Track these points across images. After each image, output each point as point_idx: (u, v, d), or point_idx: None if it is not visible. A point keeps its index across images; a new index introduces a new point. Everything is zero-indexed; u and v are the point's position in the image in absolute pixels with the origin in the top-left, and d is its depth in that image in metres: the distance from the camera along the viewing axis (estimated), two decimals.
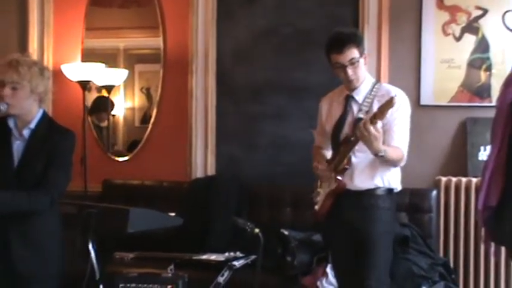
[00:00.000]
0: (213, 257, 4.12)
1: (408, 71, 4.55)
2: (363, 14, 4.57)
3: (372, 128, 2.89)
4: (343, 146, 3.17)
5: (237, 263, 3.84)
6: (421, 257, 3.88)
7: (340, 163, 3.15)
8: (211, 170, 4.87)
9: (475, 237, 4.32)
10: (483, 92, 4.48)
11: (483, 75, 4.48)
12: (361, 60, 3.16)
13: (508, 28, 4.37)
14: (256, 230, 3.45)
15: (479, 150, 4.42)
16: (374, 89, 3.20)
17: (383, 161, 3.05)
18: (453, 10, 4.50)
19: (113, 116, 5.25)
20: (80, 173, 4.73)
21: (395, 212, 3.34)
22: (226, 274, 3.81)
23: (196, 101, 4.86)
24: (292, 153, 4.70)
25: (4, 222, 2.89)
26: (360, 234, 3.13)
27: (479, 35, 4.48)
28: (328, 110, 3.34)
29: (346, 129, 3.20)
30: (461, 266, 4.35)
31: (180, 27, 4.90)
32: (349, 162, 3.14)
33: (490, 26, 4.45)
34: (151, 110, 5.07)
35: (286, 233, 4.18)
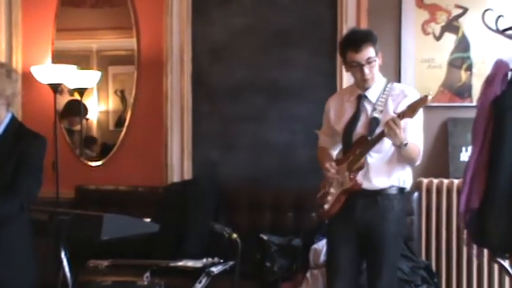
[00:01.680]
0: (190, 263, 4.10)
1: (388, 71, 4.47)
2: (341, 13, 4.59)
3: (401, 124, 2.96)
4: (358, 145, 3.19)
5: (215, 269, 3.83)
6: (403, 260, 3.89)
7: (356, 162, 3.18)
8: (188, 174, 4.85)
9: (457, 239, 4.34)
10: (464, 92, 4.51)
11: (464, 74, 4.51)
12: (377, 60, 3.19)
13: (488, 27, 4.41)
14: (234, 235, 3.47)
15: (460, 151, 4.45)
16: (387, 88, 3.25)
17: (404, 153, 3.10)
18: (433, 9, 4.53)
19: (87, 119, 5.22)
20: (52, 179, 4.69)
21: (405, 214, 3.39)
22: (204, 281, 3.80)
23: (171, 103, 4.85)
24: (272, 155, 4.70)
25: None
26: (374, 234, 3.18)
27: (460, 34, 4.51)
28: (338, 110, 3.36)
29: (359, 128, 3.22)
30: (444, 269, 4.37)
31: (154, 27, 4.89)
32: (365, 161, 3.17)
33: (470, 25, 4.49)
34: (126, 113, 5.05)
35: (265, 237, 4.19)
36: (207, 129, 4.85)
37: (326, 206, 3.28)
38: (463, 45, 4.51)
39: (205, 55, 4.85)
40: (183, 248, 4.38)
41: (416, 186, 4.42)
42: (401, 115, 2.99)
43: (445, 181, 4.40)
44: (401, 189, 3.24)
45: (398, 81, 4.50)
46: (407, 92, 3.25)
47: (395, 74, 4.53)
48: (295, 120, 4.68)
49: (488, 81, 3.18)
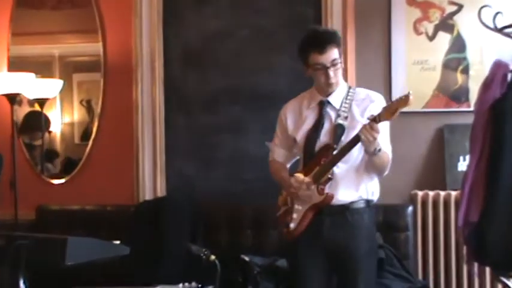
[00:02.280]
0: None
1: (377, 74, 4.58)
2: (326, 12, 4.59)
3: (378, 128, 2.95)
4: (323, 155, 3.17)
5: None
6: (398, 281, 3.89)
7: (323, 174, 3.14)
8: (161, 191, 4.83)
9: (456, 257, 4.34)
10: (461, 95, 4.53)
11: (460, 77, 4.53)
12: (341, 62, 3.19)
13: (485, 25, 4.42)
14: (213, 257, 3.47)
15: (458, 161, 4.46)
16: (350, 93, 3.24)
17: (377, 160, 3.09)
18: (425, 6, 4.55)
19: (49, 132, 5.17)
20: (10, 199, 4.64)
21: (375, 227, 3.38)
22: None
23: (142, 113, 4.82)
24: (253, 169, 4.69)
25: None
26: (343, 253, 3.16)
27: (455, 33, 4.54)
28: (296, 118, 3.35)
29: (323, 137, 3.21)
30: None
31: (121, 30, 4.87)
32: (332, 172, 3.14)
33: (465, 23, 4.51)
34: (93, 124, 5.01)
35: (247, 259, 4.18)
36: (182, 142, 4.83)
37: (292, 225, 3.26)
38: (458, 45, 4.54)
39: (179, 61, 4.84)
40: (157, 272, 4.34)
41: (411, 199, 4.43)
42: (378, 118, 2.97)
43: (442, 193, 4.41)
44: (368, 202, 3.24)
45: (389, 85, 4.54)
46: (373, 97, 3.26)
47: (384, 77, 4.55)
48: None
49: (487, 84, 3.19)
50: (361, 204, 3.21)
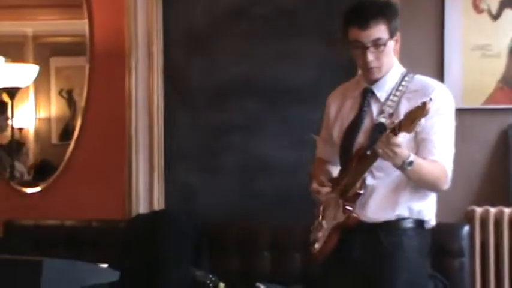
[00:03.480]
0: None
1: (427, 62, 4.55)
2: None
3: (397, 141, 2.84)
4: (355, 161, 3.09)
5: None
6: None
7: (351, 186, 3.08)
8: (158, 203, 4.82)
9: None
10: None
11: None
12: (390, 43, 3.10)
13: None
14: (222, 285, 3.53)
15: None
16: (403, 83, 3.14)
17: (411, 175, 2.98)
18: None
19: (20, 130, 5.18)
20: None
21: (427, 255, 3.26)
22: None
23: (136, 108, 4.82)
24: (270, 178, 4.69)
25: None
26: (375, 283, 3.08)
27: None
28: (339, 109, 3.27)
29: (361, 137, 3.11)
30: None
31: (112, 6, 4.86)
32: (363, 185, 3.06)
33: None
34: (75, 121, 5.02)
35: (262, 287, 4.18)
36: (184, 143, 4.83)
37: (316, 245, 3.22)
38: None
39: (181, 45, 4.84)
40: None
41: (467, 217, 4.40)
42: (398, 128, 2.89)
43: (506, 210, 4.37)
44: (419, 223, 3.13)
45: (441, 75, 4.48)
46: (430, 88, 3.10)
47: (436, 65, 4.51)
48: (301, 131, 4.55)
49: None
50: (403, 225, 3.11)
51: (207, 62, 4.80)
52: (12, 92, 5.03)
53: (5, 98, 5.06)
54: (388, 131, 2.86)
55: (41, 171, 5.14)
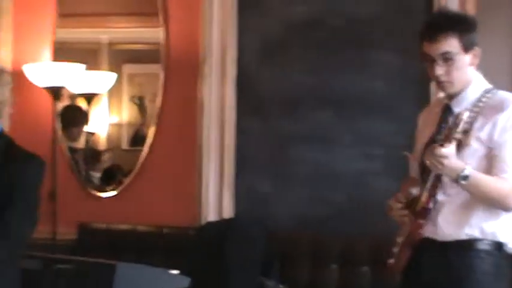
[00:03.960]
0: None
1: (501, 75, 4.45)
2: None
3: (441, 152, 2.79)
4: (423, 176, 3.05)
5: None
6: None
7: (419, 201, 3.05)
8: (228, 211, 4.84)
9: None
10: None
11: None
12: (462, 58, 3.05)
13: None
14: None
15: None
16: (484, 99, 3.06)
17: (469, 189, 2.91)
18: None
19: (91, 134, 5.25)
20: (48, 214, 4.67)
21: (507, 282, 3.14)
22: None
23: (209, 116, 4.85)
24: (342, 189, 4.68)
25: None
26: None
27: None
28: (424, 125, 3.22)
29: None
30: None
31: (188, 14, 4.91)
32: (430, 200, 3.03)
33: None
34: (146, 127, 5.06)
35: None
36: (255, 152, 4.84)
37: (391, 261, 3.15)
38: None
39: (255, 54, 4.85)
40: None
41: None
42: (443, 140, 2.83)
43: None
44: (497, 245, 3.01)
45: None
46: (505, 103, 2.98)
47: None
48: (373, 143, 4.64)
49: None
50: (476, 246, 3.00)
51: (280, 71, 4.81)
52: (90, 97, 5.10)
53: (81, 102, 5.13)
54: (438, 143, 2.83)
55: (112, 176, 5.19)
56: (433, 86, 4.41)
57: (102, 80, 5.09)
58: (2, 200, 2.87)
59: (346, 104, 4.70)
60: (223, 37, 4.83)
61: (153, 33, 4.99)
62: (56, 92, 4.81)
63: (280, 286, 3.53)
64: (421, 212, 3.02)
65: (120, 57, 5.23)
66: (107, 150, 5.31)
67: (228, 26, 4.82)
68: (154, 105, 5.04)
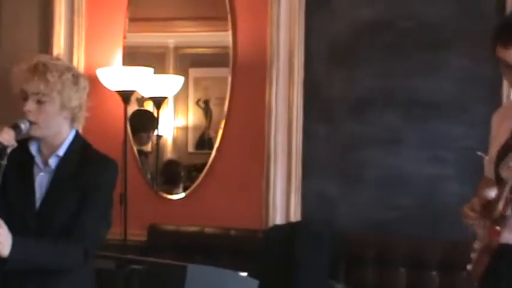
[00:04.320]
0: None
1: None
2: None
3: None
4: (502, 183, 3.01)
5: None
6: None
7: (495, 207, 3.01)
8: (295, 215, 4.85)
9: None
10: None
11: None
12: None
13: None
14: None
15: None
16: None
17: None
18: None
19: (159, 137, 5.30)
20: (119, 216, 4.73)
21: None
22: None
23: (276, 119, 4.87)
24: (409, 192, 4.65)
25: (20, 281, 2.87)
26: None
27: None
28: (498, 128, 3.19)
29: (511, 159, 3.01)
30: None
31: (255, 19, 4.93)
32: (507, 208, 2.98)
33: None
34: (210, 130, 5.12)
35: None
36: (323, 155, 4.84)
37: (468, 266, 3.12)
38: None
39: (322, 57, 4.85)
40: None
41: None
42: None
43: None
44: None
45: None
46: None
47: None
48: (442, 146, 4.61)
49: None
50: None
51: (348, 74, 4.80)
52: (159, 101, 5.16)
53: (149, 105, 5.20)
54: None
55: (179, 178, 5.24)
56: (505, 86, 4.39)
57: (170, 84, 5.14)
58: (78, 202, 2.92)
59: (415, 106, 4.67)
60: (290, 40, 4.84)
61: (220, 37, 5.03)
62: (127, 96, 4.87)
63: None
64: (498, 219, 2.98)
65: (187, 61, 5.26)
66: (174, 153, 5.33)
67: (295, 29, 4.83)
68: (219, 109, 5.08)
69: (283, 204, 4.86)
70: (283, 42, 4.85)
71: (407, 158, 4.67)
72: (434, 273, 4.43)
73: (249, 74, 4.96)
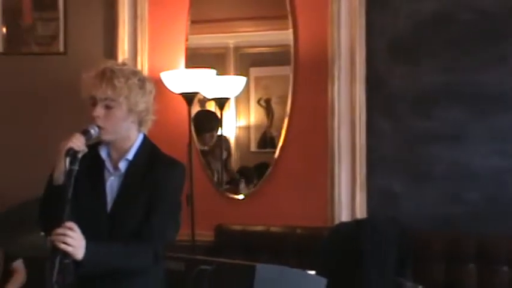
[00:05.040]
0: None
1: None
2: None
3: None
4: None
5: None
6: None
7: None
8: (361, 212, 4.84)
9: None
10: None
11: None
12: None
13: None
14: None
15: None
16: None
17: None
18: None
19: (222, 138, 5.33)
20: (186, 217, 4.75)
21: None
22: None
23: (338, 116, 4.87)
24: (477, 188, 4.62)
25: (95, 285, 2.93)
26: None
27: None
28: None
29: None
30: None
31: (316, 17, 4.93)
32: None
33: None
34: (272, 129, 5.13)
35: None
36: (387, 151, 4.83)
37: None
38: None
39: (384, 53, 4.84)
40: None
41: None
42: None
43: None
44: None
45: None
46: None
47: None
48: (510, 139, 4.59)
49: None
50: None
51: (411, 69, 4.78)
52: (222, 102, 5.19)
53: (211, 106, 5.23)
54: None
55: (243, 178, 5.27)
56: None
57: (232, 84, 5.16)
58: (147, 205, 2.97)
59: (481, 100, 4.64)
60: (351, 37, 4.84)
61: (281, 36, 5.05)
62: (190, 98, 4.91)
63: (419, 287, 3.46)
64: None
65: (247, 61, 5.28)
66: (237, 153, 5.36)
67: (356, 26, 4.82)
68: (280, 107, 5.09)
69: (349, 202, 4.86)
70: (344, 39, 4.84)
71: (474, 153, 4.64)
72: (505, 268, 4.39)
73: (310, 72, 4.96)
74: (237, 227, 4.99)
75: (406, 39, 4.79)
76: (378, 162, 4.83)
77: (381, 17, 4.83)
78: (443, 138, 4.70)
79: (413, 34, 4.77)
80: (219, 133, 5.35)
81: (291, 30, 4.99)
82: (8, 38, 5.40)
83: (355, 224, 4.68)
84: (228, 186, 5.27)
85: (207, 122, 5.33)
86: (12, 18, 5.39)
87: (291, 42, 5.00)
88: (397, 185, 4.77)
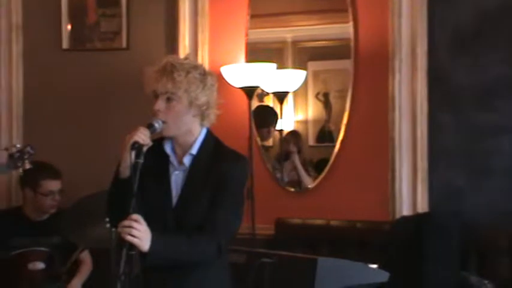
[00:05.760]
0: None
1: None
2: None
3: None
4: None
5: None
6: None
7: None
8: (422, 206, 4.80)
9: None
10: None
11: None
12: None
13: None
14: None
15: None
16: None
17: None
18: None
19: (281, 132, 5.34)
20: (247, 211, 4.74)
21: None
22: None
23: (399, 110, 4.84)
24: None
25: (161, 278, 2.98)
26: None
27: None
28: None
29: None
30: None
31: (377, 9, 4.91)
32: None
33: None
34: (330, 123, 5.13)
35: None
36: (449, 145, 4.78)
37: None
38: None
39: (447, 46, 4.79)
40: None
41: None
42: None
43: None
44: None
45: None
46: None
47: None
48: None
49: None
50: None
51: (473, 61, 4.73)
52: (282, 96, 5.20)
53: (270, 101, 5.26)
54: None
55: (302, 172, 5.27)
56: None
57: (291, 78, 5.17)
58: (211, 198, 3.00)
59: None
60: (413, 29, 4.80)
61: (340, 29, 5.03)
62: (251, 92, 4.93)
63: (485, 281, 3.42)
64: None
65: (305, 55, 5.28)
66: (296, 147, 5.37)
67: (417, 18, 4.78)
68: (339, 101, 5.08)
69: (410, 196, 4.82)
70: (406, 31, 4.81)
71: None
72: None
73: (371, 65, 4.94)
74: (297, 221, 4.99)
75: (468, 31, 4.74)
76: (439, 155, 4.79)
77: (443, 8, 4.77)
78: (506, 131, 4.65)
79: (475, 25, 4.72)
80: (277, 128, 5.34)
81: (351, 24, 4.97)
82: (73, 35, 5.48)
83: (417, 218, 4.65)
84: (288, 181, 5.26)
85: (265, 117, 5.35)
86: (77, 16, 5.47)
87: (351, 36, 4.98)
88: (459, 178, 4.73)
